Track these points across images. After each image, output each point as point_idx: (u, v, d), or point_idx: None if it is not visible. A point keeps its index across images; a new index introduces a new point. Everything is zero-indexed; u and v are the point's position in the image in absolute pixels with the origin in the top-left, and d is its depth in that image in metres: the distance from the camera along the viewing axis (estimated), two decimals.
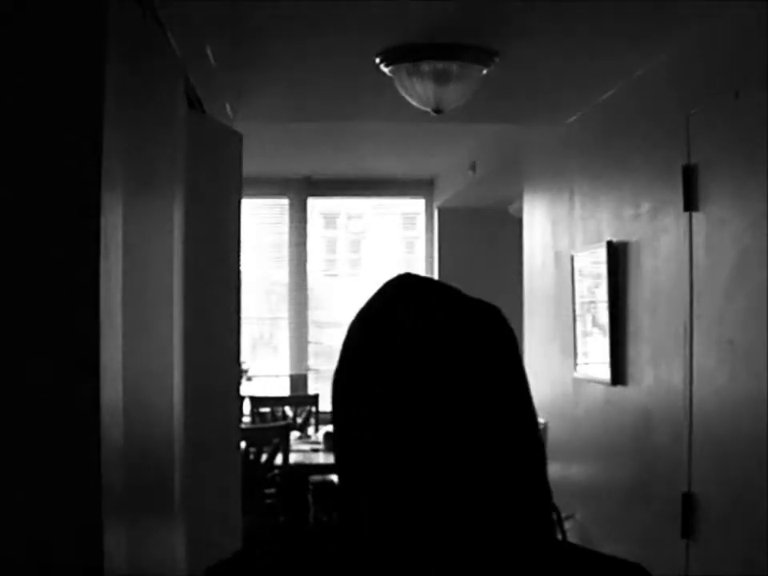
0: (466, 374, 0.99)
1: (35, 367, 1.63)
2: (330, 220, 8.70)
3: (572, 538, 4.17)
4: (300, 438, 7.12)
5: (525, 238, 5.78)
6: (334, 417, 1.07)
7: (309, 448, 6.65)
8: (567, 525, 4.73)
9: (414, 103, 3.92)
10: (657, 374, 3.74)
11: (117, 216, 1.79)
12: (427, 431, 0.98)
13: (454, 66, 3.73)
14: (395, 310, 1.03)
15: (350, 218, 8.74)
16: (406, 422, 0.98)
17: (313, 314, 8.53)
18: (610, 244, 4.19)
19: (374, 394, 1.00)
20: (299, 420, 7.62)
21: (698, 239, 3.34)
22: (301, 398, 8.00)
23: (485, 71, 3.78)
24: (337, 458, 1.08)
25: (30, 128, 1.65)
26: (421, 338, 1.00)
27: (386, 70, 3.79)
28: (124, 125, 1.85)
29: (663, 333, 3.67)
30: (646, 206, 3.86)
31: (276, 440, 5.97)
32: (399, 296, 1.05)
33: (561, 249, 5.01)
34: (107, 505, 1.68)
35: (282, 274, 8.54)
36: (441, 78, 3.76)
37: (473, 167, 6.78)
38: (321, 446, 6.60)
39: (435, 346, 0.99)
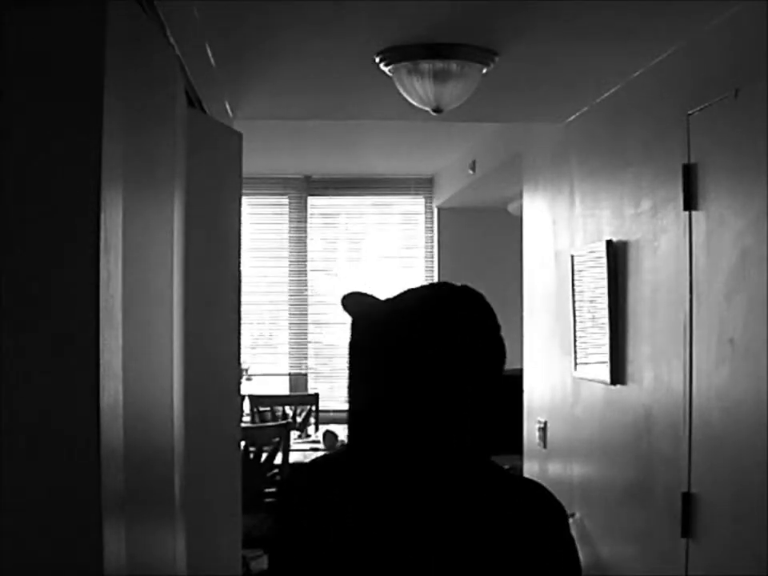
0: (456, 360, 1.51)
1: (35, 367, 1.63)
2: (330, 219, 8.70)
3: None
4: (300, 437, 7.12)
5: (524, 238, 5.78)
6: (360, 378, 1.58)
7: (309, 447, 6.65)
8: None
9: (413, 102, 3.92)
10: (657, 373, 3.74)
11: (117, 215, 1.79)
12: (426, 393, 1.50)
13: (454, 66, 3.72)
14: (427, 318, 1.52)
15: (349, 217, 8.74)
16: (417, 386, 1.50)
17: (312, 314, 8.53)
18: (609, 243, 4.19)
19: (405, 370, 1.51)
20: (299, 419, 7.62)
21: (698, 238, 3.34)
22: (301, 397, 8.00)
23: (484, 70, 3.78)
24: (359, 405, 1.58)
25: (29, 127, 1.65)
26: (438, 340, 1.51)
27: (385, 69, 3.78)
28: (124, 124, 1.85)
29: (663, 332, 3.66)
30: (645, 205, 3.86)
31: (276, 439, 5.97)
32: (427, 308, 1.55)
33: (560, 248, 5.01)
34: (107, 505, 1.68)
35: (281, 274, 8.53)
36: (440, 78, 3.75)
37: (472, 166, 6.78)
38: (321, 445, 6.60)
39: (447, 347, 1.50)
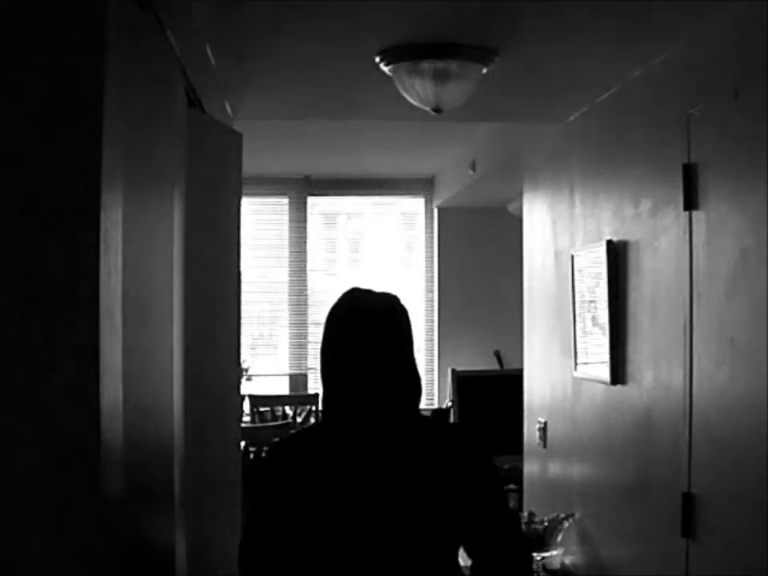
0: (393, 333, 2.15)
1: (35, 367, 1.63)
2: (330, 219, 8.70)
3: (572, 537, 4.18)
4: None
5: (525, 238, 5.78)
6: (330, 362, 2.16)
7: None
8: (566, 524, 4.74)
9: (413, 102, 3.92)
10: (657, 373, 3.74)
11: (117, 215, 1.79)
12: (378, 359, 2.12)
13: (454, 65, 3.72)
14: (359, 307, 2.18)
15: (349, 217, 8.74)
16: (368, 358, 2.11)
17: (313, 314, 8.53)
18: (609, 243, 4.19)
19: (354, 349, 2.13)
20: (299, 419, 7.62)
21: (698, 238, 3.34)
22: (301, 397, 8.00)
23: (484, 70, 3.77)
24: (330, 384, 2.14)
25: (30, 128, 1.65)
26: (373, 322, 2.14)
27: (385, 69, 3.78)
28: (124, 124, 1.85)
29: (663, 332, 3.66)
30: (646, 205, 3.86)
31: (276, 439, 5.96)
32: (358, 300, 2.22)
33: (561, 248, 5.01)
34: (107, 505, 1.68)
35: (281, 274, 8.53)
36: (440, 77, 3.75)
37: (472, 166, 6.78)
38: None
39: (379, 326, 2.14)
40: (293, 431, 2.34)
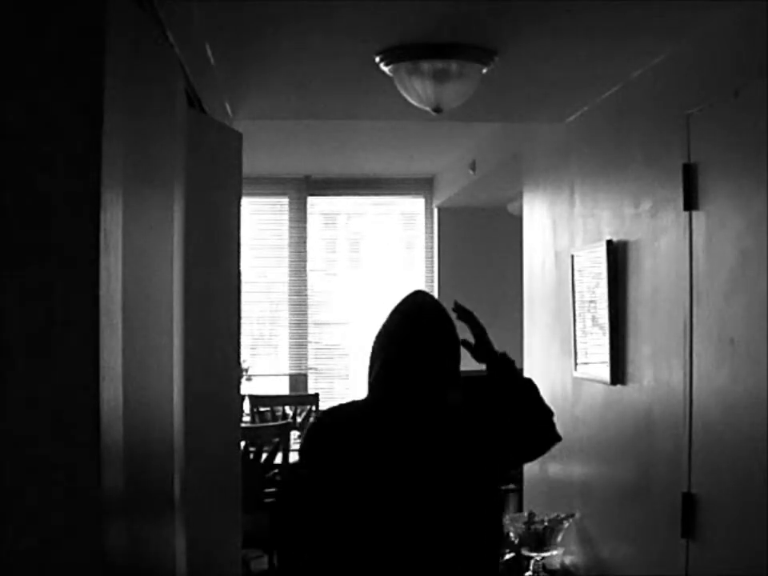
0: (441, 339, 2.40)
1: (35, 367, 1.63)
2: (330, 219, 8.69)
3: (572, 537, 4.19)
4: (300, 437, 7.12)
5: (525, 238, 5.78)
6: (386, 350, 2.35)
7: None
8: (566, 524, 4.75)
9: (413, 102, 3.92)
10: (657, 373, 3.74)
11: (117, 215, 1.79)
12: (427, 357, 2.37)
13: (454, 65, 3.73)
14: (415, 315, 2.40)
15: (349, 217, 8.74)
16: (419, 356, 2.36)
17: (312, 314, 8.53)
18: (609, 243, 4.20)
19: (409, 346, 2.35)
20: (299, 419, 7.62)
21: (698, 238, 3.34)
22: (301, 397, 8.00)
23: (484, 70, 3.78)
24: (382, 367, 2.33)
25: (29, 128, 1.65)
26: (427, 326, 2.39)
27: (385, 69, 3.78)
28: (124, 124, 1.85)
29: (663, 332, 3.67)
30: (646, 205, 3.86)
31: (276, 439, 5.96)
32: (416, 308, 2.42)
33: (561, 248, 5.01)
34: (107, 505, 1.68)
35: (281, 274, 8.53)
36: (440, 78, 3.75)
37: (472, 166, 6.78)
38: None
39: (432, 329, 2.39)
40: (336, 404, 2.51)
